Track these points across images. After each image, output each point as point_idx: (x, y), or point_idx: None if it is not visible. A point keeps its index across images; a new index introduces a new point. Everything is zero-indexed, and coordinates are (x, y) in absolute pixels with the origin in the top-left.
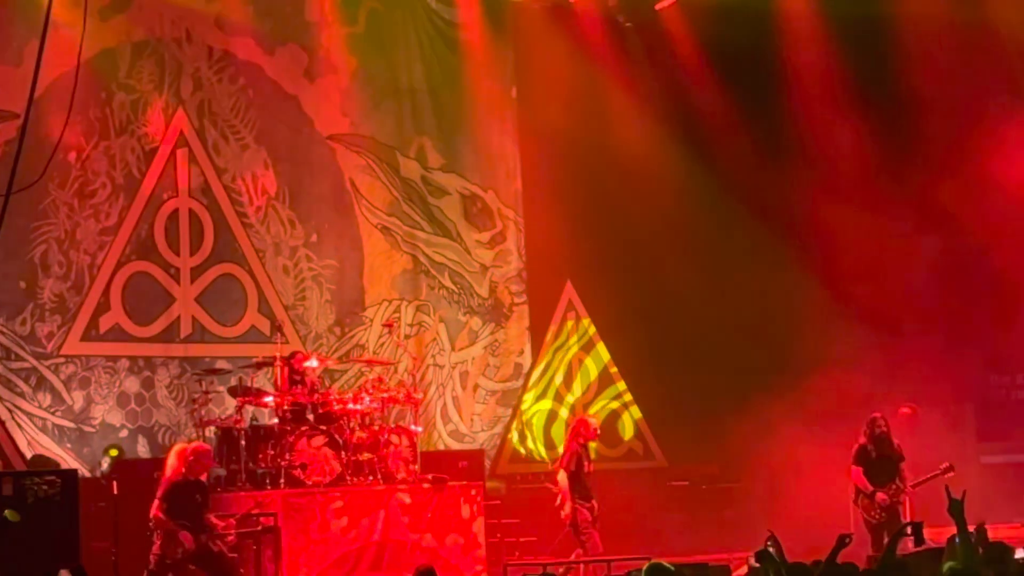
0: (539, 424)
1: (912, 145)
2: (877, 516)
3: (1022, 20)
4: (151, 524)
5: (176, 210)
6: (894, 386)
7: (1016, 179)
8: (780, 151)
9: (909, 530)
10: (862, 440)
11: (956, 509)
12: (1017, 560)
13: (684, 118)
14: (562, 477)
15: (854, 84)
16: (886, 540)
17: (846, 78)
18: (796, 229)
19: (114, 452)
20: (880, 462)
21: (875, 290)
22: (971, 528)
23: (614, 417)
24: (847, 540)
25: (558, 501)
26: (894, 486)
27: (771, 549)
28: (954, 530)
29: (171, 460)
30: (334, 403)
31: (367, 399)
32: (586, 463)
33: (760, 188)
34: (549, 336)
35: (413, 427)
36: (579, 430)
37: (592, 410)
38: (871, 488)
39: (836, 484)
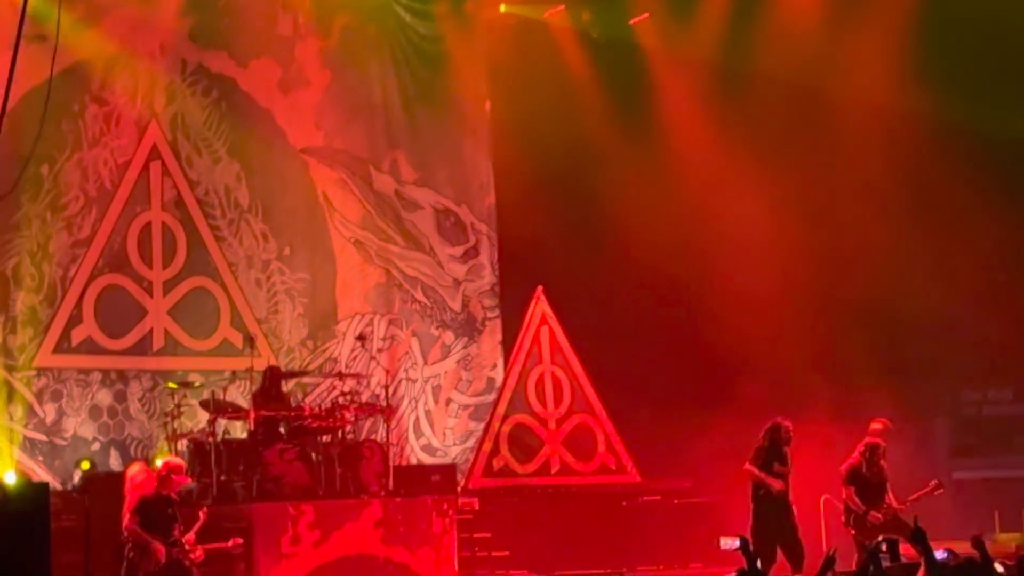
0: (512, 438)
1: None
2: (869, 536)
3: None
4: (123, 537)
5: (149, 223)
6: (869, 399)
7: None
8: (764, 155)
9: (884, 547)
10: (855, 459)
11: (918, 537)
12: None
13: (656, 129)
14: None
15: None
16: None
17: None
18: (773, 240)
19: (86, 465)
20: (870, 482)
21: (850, 301)
22: (969, 541)
23: (586, 431)
24: (833, 555)
25: None
26: (885, 505)
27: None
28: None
29: (136, 475)
30: (307, 417)
31: (339, 413)
32: (777, 465)
33: (735, 197)
34: (522, 350)
35: (386, 441)
36: (769, 431)
37: (565, 424)
38: (863, 508)
39: (810, 498)
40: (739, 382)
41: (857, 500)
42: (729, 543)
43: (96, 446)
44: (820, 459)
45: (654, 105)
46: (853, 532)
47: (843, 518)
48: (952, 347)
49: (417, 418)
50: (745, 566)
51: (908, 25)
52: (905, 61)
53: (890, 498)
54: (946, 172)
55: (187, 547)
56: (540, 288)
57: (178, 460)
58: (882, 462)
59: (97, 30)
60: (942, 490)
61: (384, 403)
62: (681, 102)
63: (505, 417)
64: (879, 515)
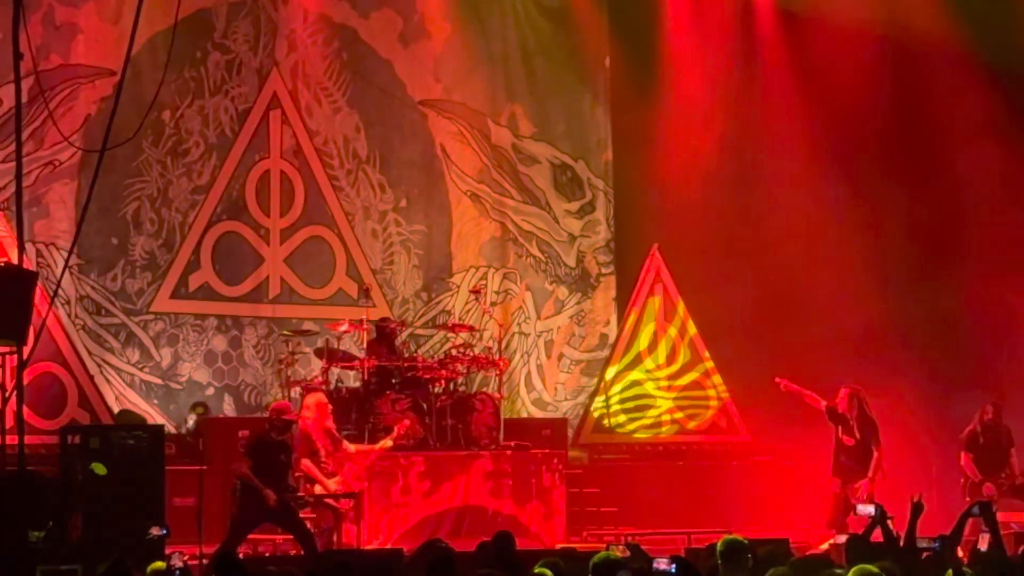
0: (623, 395)
1: None
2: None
3: None
4: (235, 478)
5: (267, 171)
6: (991, 369)
7: None
8: (874, 114)
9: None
10: (972, 426)
11: None
12: None
13: (779, 87)
14: None
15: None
16: None
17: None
18: (898, 196)
19: (200, 410)
20: (989, 450)
21: (981, 266)
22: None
23: (698, 390)
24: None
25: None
26: (1004, 475)
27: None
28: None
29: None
30: (419, 368)
31: (452, 365)
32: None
33: (859, 156)
34: (635, 307)
35: (497, 394)
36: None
37: (678, 382)
38: (979, 477)
39: (919, 463)
40: (852, 345)
41: (974, 468)
42: (865, 509)
43: (210, 391)
44: (933, 428)
45: (774, 61)
46: (968, 500)
47: (962, 483)
48: None
49: (529, 372)
50: (860, 533)
51: None
52: None
53: (1012, 467)
54: None
55: (299, 493)
56: (655, 246)
57: (285, 403)
58: (1000, 423)
59: None
60: None
61: (496, 356)
62: (795, 61)
63: (617, 373)
64: (993, 487)
